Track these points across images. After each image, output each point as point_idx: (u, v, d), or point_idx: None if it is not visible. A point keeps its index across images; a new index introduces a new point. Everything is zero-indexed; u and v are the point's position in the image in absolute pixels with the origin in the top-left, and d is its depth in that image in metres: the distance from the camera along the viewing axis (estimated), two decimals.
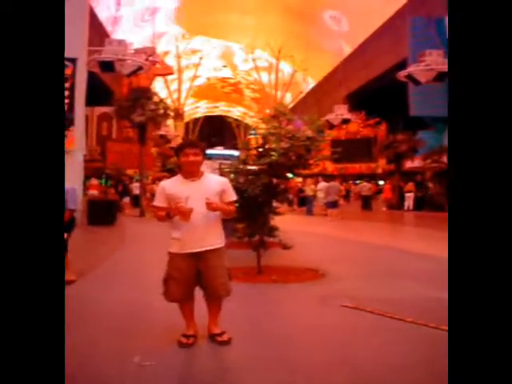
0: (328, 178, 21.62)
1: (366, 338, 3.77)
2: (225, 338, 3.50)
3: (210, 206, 3.29)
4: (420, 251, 8.26)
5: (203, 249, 3.38)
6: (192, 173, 3.44)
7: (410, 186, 22.53)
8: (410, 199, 22.23)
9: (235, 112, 56.81)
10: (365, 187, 23.27)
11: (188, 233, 3.36)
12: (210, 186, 3.44)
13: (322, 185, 18.43)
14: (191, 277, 3.43)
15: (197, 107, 54.74)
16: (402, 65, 19.04)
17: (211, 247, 3.42)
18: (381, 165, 31.40)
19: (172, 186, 3.47)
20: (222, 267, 3.47)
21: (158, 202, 3.47)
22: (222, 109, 60.06)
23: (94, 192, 18.01)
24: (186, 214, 3.24)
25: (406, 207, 22.19)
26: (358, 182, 34.63)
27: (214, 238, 3.46)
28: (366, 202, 22.75)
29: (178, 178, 3.53)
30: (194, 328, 3.57)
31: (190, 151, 3.40)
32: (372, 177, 31.41)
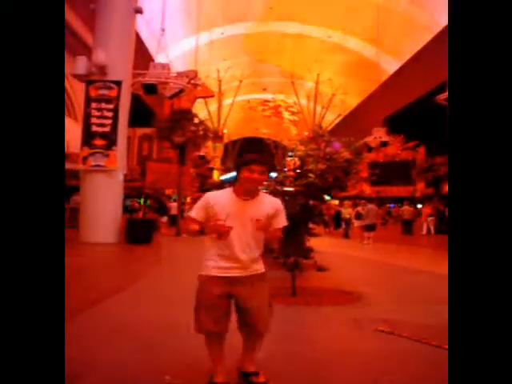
0: (365, 200, 21.42)
1: (401, 364, 3.70)
2: (261, 379, 3.06)
3: (258, 224, 2.92)
4: None
5: (245, 274, 2.98)
6: (249, 192, 2.99)
7: (430, 209, 22.29)
8: (430, 223, 22.11)
9: (274, 134, 57.08)
10: (406, 211, 22.84)
11: (230, 256, 2.95)
12: (262, 208, 2.99)
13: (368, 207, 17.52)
14: (225, 304, 2.99)
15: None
16: (441, 88, 18.83)
17: (255, 272, 3.02)
18: (419, 188, 30.89)
19: (219, 201, 2.98)
20: (263, 296, 3.06)
21: (196, 214, 3.00)
22: (261, 131, 60.47)
23: None
24: (224, 234, 2.85)
25: (424, 231, 22.08)
26: (394, 205, 34.13)
27: (257, 263, 3.05)
28: (407, 226, 22.33)
29: (228, 193, 3.04)
30: (225, 373, 3.06)
31: (257, 168, 2.93)
32: (410, 200, 30.92)
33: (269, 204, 3.05)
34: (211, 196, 3.06)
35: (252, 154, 3.09)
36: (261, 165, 2.95)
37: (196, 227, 2.99)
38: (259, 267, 3.06)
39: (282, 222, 3.10)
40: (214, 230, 2.88)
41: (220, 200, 2.98)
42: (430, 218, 22.15)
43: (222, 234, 2.86)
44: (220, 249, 2.96)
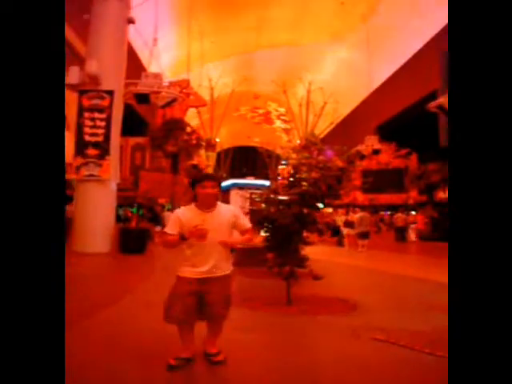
0: (358, 208, 21.50)
1: (397, 372, 3.69)
2: (220, 358, 3.61)
3: (226, 246, 3.55)
4: None
5: (213, 275, 3.50)
6: (208, 205, 3.53)
7: (414, 216, 22.51)
8: (412, 230, 22.31)
9: (266, 142, 57.09)
10: (399, 218, 22.95)
11: (202, 260, 3.49)
12: (223, 217, 3.55)
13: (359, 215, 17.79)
14: (196, 300, 3.52)
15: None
16: (433, 96, 19.00)
17: (221, 274, 3.54)
18: (412, 195, 31.02)
19: (187, 216, 3.52)
20: (227, 292, 3.59)
21: (171, 229, 3.52)
22: (253, 139, 60.49)
23: None
24: (203, 235, 3.34)
25: (412, 239, 22.27)
26: (388, 212, 34.21)
27: (224, 266, 3.58)
28: (400, 234, 22.42)
29: (192, 209, 3.58)
30: (191, 351, 3.64)
31: (208, 184, 3.48)
32: (403, 207, 31.05)
33: (228, 212, 3.61)
34: (180, 213, 3.58)
35: (202, 173, 3.53)
36: (211, 180, 3.52)
37: (176, 238, 3.46)
38: (227, 269, 3.61)
39: (246, 222, 3.69)
40: (196, 234, 3.35)
41: (187, 216, 3.52)
42: (413, 225, 22.42)
43: (203, 235, 3.34)
44: (193, 255, 3.51)
